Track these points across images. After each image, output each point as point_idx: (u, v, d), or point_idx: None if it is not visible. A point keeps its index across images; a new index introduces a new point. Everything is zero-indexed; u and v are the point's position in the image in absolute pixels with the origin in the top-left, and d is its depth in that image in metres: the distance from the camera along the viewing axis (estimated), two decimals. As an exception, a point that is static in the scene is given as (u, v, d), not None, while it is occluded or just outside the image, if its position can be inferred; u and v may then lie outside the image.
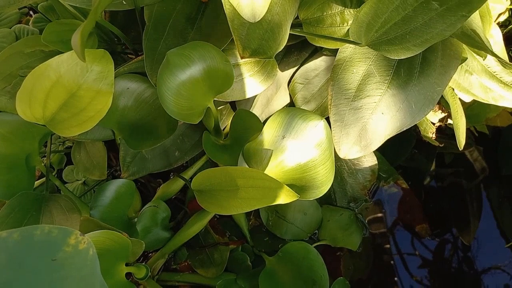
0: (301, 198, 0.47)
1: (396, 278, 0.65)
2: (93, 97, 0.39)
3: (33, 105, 0.41)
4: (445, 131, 0.69)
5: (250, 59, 0.47)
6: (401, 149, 0.69)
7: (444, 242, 0.68)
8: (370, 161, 0.63)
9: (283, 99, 0.64)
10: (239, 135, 0.54)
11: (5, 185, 0.45)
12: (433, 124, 0.63)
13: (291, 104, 0.65)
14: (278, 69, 0.51)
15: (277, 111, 0.47)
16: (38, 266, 0.30)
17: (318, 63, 0.63)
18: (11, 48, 0.44)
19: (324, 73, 0.63)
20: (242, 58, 0.42)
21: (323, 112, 0.64)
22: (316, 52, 0.64)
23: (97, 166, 0.57)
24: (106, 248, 0.40)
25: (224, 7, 0.41)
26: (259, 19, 0.42)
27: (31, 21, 0.75)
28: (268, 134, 0.47)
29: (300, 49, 0.63)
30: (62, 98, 0.40)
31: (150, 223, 0.59)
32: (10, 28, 0.73)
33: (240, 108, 0.55)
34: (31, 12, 0.81)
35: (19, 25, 0.73)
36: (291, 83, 0.63)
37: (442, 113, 0.61)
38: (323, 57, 0.63)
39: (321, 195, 0.49)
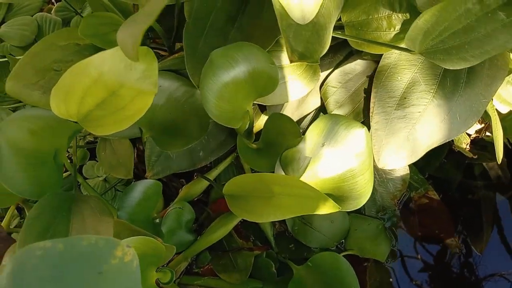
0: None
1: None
2: (134, 96, 0.37)
3: (68, 101, 0.39)
4: (478, 142, 0.67)
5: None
6: (432, 159, 0.67)
7: (446, 247, 0.66)
8: (402, 170, 0.61)
9: (314, 102, 0.62)
10: (273, 140, 0.52)
11: (33, 182, 0.43)
12: (469, 135, 0.61)
13: (322, 107, 0.63)
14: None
15: (319, 118, 0.45)
16: (83, 279, 0.28)
17: (353, 67, 0.61)
18: (44, 41, 0.42)
19: (358, 77, 0.61)
20: (291, 62, 0.40)
21: (355, 118, 0.62)
22: (351, 55, 0.61)
23: (123, 165, 0.55)
24: (141, 254, 0.38)
25: (274, 7, 0.39)
26: (309, 21, 0.40)
27: (53, 10, 0.73)
28: (310, 141, 0.45)
29: (334, 52, 0.61)
30: (101, 96, 0.38)
31: (175, 225, 0.57)
32: (32, 16, 0.71)
33: (276, 112, 0.53)
34: (53, 0, 0.79)
35: (41, 13, 0.71)
36: (323, 86, 0.61)
37: (480, 124, 0.59)
38: (358, 60, 0.61)
39: (359, 207, 0.47)
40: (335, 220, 0.61)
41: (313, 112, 0.64)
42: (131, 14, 0.49)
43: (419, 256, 0.65)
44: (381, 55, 0.51)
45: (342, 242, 0.62)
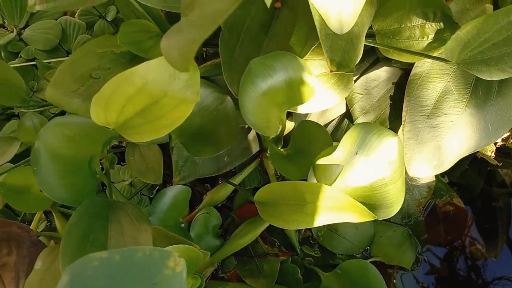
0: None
1: None
2: (175, 105, 0.38)
3: (109, 109, 0.39)
4: (501, 149, 0.67)
5: (326, 70, 0.46)
6: (456, 166, 0.67)
7: (453, 250, 0.66)
8: (428, 177, 0.61)
9: (339, 108, 0.63)
10: (303, 147, 0.52)
11: (71, 189, 0.43)
12: (495, 143, 0.61)
13: (348, 114, 0.64)
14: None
15: (353, 126, 0.45)
16: (138, 290, 0.28)
17: (379, 73, 0.61)
18: (82, 49, 0.42)
19: (384, 84, 0.62)
20: (331, 71, 0.40)
21: (381, 124, 0.62)
22: (377, 62, 0.62)
23: (152, 170, 0.55)
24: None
25: (313, 17, 0.39)
26: (347, 31, 0.40)
27: (77, 14, 0.73)
28: (343, 149, 0.45)
29: (361, 59, 0.61)
30: (142, 105, 0.38)
31: (203, 230, 0.57)
32: (56, 20, 0.72)
33: (305, 120, 0.53)
34: (75, 4, 0.79)
35: (65, 17, 0.72)
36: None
37: (508, 133, 0.59)
38: (385, 67, 0.61)
39: (391, 216, 0.47)
40: (360, 226, 0.61)
41: (337, 119, 0.64)
42: (163, 20, 0.50)
43: (425, 258, 0.65)
44: (411, 63, 0.51)
45: (367, 248, 0.62)
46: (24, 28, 0.72)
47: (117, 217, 0.42)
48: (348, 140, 0.45)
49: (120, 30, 0.43)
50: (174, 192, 0.52)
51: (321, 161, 0.45)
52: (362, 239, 0.61)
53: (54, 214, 0.56)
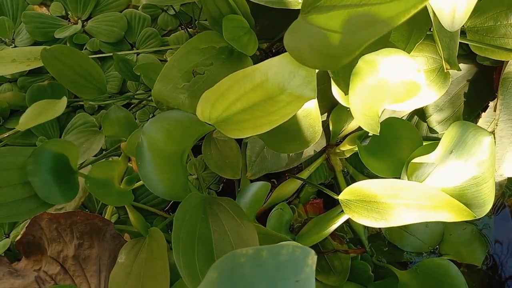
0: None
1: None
2: (289, 102, 0.37)
3: (217, 105, 0.39)
4: None
5: (427, 67, 0.45)
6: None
7: None
8: (499, 176, 0.61)
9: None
10: (388, 144, 0.52)
11: (167, 184, 0.43)
12: None
13: (418, 111, 0.63)
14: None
15: (452, 124, 0.45)
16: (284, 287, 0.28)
17: (454, 71, 0.60)
18: (188, 44, 0.42)
19: (458, 81, 0.61)
20: (446, 69, 0.40)
21: (455, 122, 0.61)
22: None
23: (230, 166, 0.55)
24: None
25: (430, 15, 0.39)
26: (458, 28, 0.39)
27: (140, 6, 0.73)
28: (441, 148, 0.45)
29: (436, 55, 0.61)
30: (254, 101, 0.38)
31: (278, 225, 0.57)
32: (121, 12, 0.71)
33: (392, 117, 0.53)
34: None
35: (130, 9, 0.71)
36: (423, 89, 0.60)
37: None
38: (460, 64, 0.60)
39: (482, 216, 0.47)
40: (430, 224, 0.61)
41: (406, 116, 0.64)
42: (249, 16, 0.49)
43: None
44: (501, 61, 0.51)
45: (437, 247, 0.62)
46: (87, 20, 0.71)
47: (214, 212, 0.42)
48: (446, 138, 0.45)
49: (223, 27, 0.42)
50: (255, 187, 0.52)
51: (417, 159, 0.45)
52: (432, 237, 0.61)
53: (127, 208, 0.56)
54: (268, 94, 0.37)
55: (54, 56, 0.52)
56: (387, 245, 0.62)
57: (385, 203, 0.46)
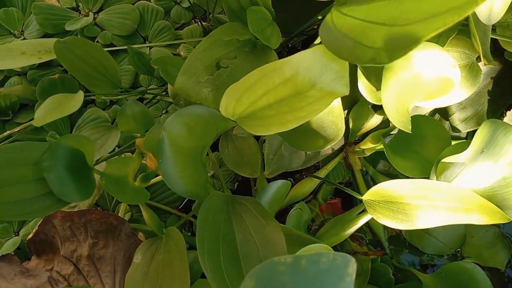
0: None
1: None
2: (319, 98, 0.35)
3: (243, 100, 0.37)
4: None
5: (458, 63, 0.43)
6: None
7: None
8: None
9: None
10: (414, 142, 0.50)
11: (187, 181, 0.41)
12: None
13: (439, 109, 0.61)
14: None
15: (483, 123, 0.43)
16: (324, 296, 0.26)
17: (478, 68, 0.58)
18: (211, 36, 0.40)
19: (482, 78, 0.59)
20: (484, 64, 0.38)
21: (479, 120, 0.59)
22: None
23: (248, 163, 0.53)
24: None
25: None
26: (495, 21, 0.38)
27: (153, -1, 0.71)
28: (472, 147, 0.43)
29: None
30: (281, 96, 0.36)
31: (297, 225, 0.55)
32: (133, 4, 0.69)
33: (418, 114, 0.51)
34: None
35: (142, 1, 0.69)
36: (445, 87, 0.58)
37: None
38: (480, 62, 0.58)
39: (513, 218, 0.45)
40: (451, 226, 0.59)
41: (428, 114, 0.62)
42: (270, 9, 0.47)
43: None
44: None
45: (458, 249, 0.60)
46: (98, 12, 0.69)
47: (237, 212, 0.40)
48: (478, 137, 0.43)
49: (248, 18, 0.40)
50: (276, 186, 0.50)
51: (447, 159, 0.43)
52: (453, 239, 0.59)
53: (141, 207, 0.54)
54: (298, 89, 0.35)
55: (68, 48, 0.50)
56: (407, 247, 0.61)
57: (411, 204, 0.45)
